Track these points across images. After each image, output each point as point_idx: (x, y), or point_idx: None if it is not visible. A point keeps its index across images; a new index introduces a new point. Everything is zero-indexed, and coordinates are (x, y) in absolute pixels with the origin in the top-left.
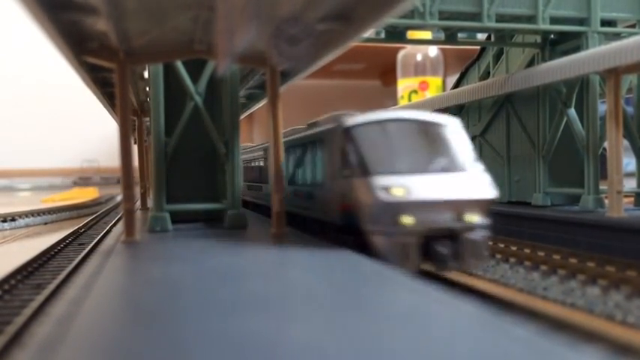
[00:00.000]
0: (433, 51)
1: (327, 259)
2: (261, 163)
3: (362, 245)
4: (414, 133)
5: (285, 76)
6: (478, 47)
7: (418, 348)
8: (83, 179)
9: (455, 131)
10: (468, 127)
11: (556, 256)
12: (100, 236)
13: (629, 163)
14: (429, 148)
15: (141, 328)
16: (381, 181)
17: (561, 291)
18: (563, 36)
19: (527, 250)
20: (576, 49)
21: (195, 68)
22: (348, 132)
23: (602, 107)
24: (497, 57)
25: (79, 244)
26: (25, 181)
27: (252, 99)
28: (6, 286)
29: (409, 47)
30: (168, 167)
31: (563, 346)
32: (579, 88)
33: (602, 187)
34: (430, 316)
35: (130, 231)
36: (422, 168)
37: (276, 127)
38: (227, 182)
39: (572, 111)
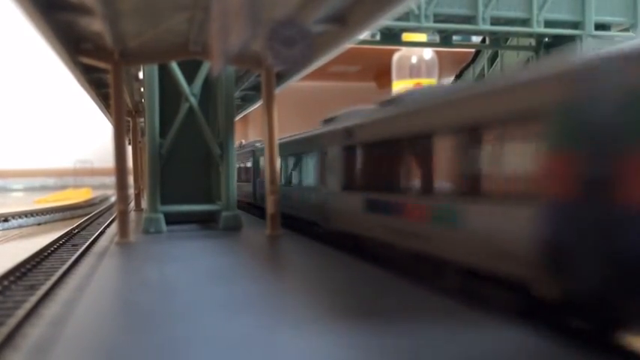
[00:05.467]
0: (428, 53)
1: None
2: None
3: None
4: None
5: (281, 77)
6: (473, 50)
7: None
8: None
9: None
10: None
11: None
12: (93, 237)
13: None
14: None
15: (134, 329)
16: None
17: None
18: (557, 39)
19: None
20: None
21: (190, 69)
22: None
23: None
24: (492, 60)
25: (73, 245)
26: (18, 182)
27: (247, 100)
28: None
29: (404, 50)
30: (162, 168)
31: None
32: None
33: None
34: None
35: (124, 232)
36: None
37: (271, 129)
38: (222, 183)
39: None
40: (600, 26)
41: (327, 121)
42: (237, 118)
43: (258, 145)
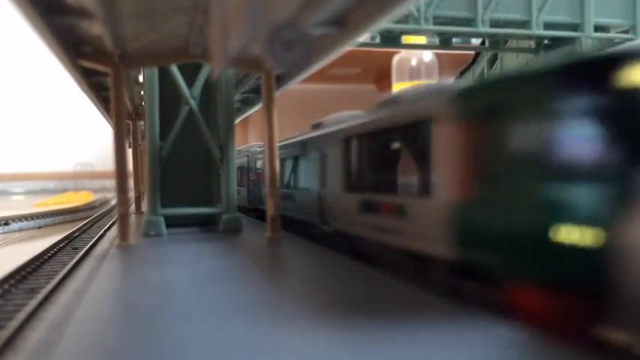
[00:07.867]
0: (428, 56)
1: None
2: None
3: None
4: None
5: (281, 80)
6: (473, 52)
7: None
8: None
9: None
10: None
11: None
12: (93, 240)
13: None
14: None
15: (134, 333)
16: None
17: None
18: (556, 41)
19: None
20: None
21: (190, 72)
22: None
23: None
24: (492, 62)
25: (73, 249)
26: (18, 185)
27: (247, 103)
28: None
29: (404, 52)
30: (162, 171)
31: None
32: None
33: None
34: None
35: (124, 235)
36: None
37: (271, 132)
38: (222, 186)
39: None
40: (599, 28)
41: (315, 126)
42: (237, 120)
43: (256, 149)
